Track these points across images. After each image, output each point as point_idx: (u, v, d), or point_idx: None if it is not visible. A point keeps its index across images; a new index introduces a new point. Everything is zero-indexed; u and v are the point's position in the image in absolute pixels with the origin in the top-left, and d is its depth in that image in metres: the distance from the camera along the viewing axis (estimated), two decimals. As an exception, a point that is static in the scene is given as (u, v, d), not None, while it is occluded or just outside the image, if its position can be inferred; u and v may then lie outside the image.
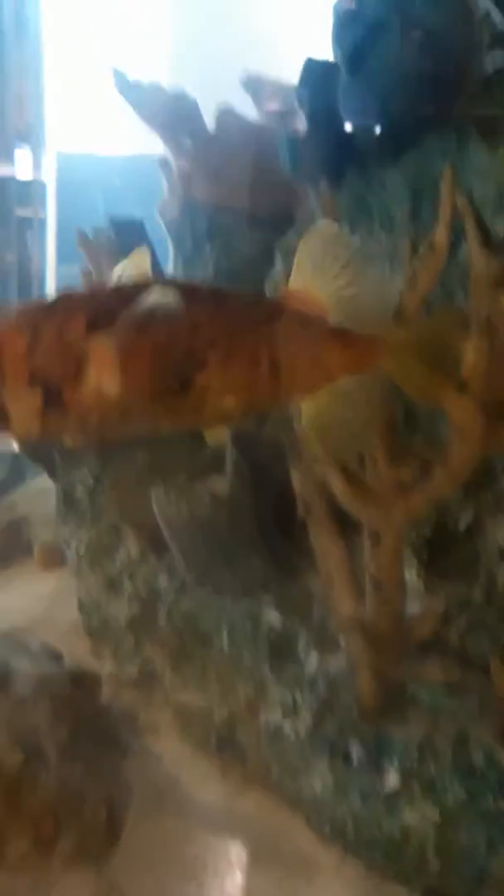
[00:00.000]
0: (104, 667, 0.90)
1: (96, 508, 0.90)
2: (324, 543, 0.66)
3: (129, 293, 0.42)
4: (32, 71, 1.56)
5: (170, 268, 1.15)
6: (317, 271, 0.48)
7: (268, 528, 0.74)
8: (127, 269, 0.46)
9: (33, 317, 0.42)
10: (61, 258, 1.69)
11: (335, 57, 0.65)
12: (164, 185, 1.12)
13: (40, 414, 0.43)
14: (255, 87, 0.94)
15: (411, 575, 0.69)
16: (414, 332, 0.49)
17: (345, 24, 0.63)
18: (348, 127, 0.67)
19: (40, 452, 0.95)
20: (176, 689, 0.82)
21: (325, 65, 0.65)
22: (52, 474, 0.96)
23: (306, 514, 0.67)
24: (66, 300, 0.43)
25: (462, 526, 0.71)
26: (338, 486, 0.61)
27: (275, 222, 1.02)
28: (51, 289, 1.70)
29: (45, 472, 1.44)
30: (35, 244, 1.67)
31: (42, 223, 1.66)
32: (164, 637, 0.82)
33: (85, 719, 0.72)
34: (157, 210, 1.15)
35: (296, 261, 0.48)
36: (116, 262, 0.48)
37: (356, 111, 0.61)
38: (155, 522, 0.79)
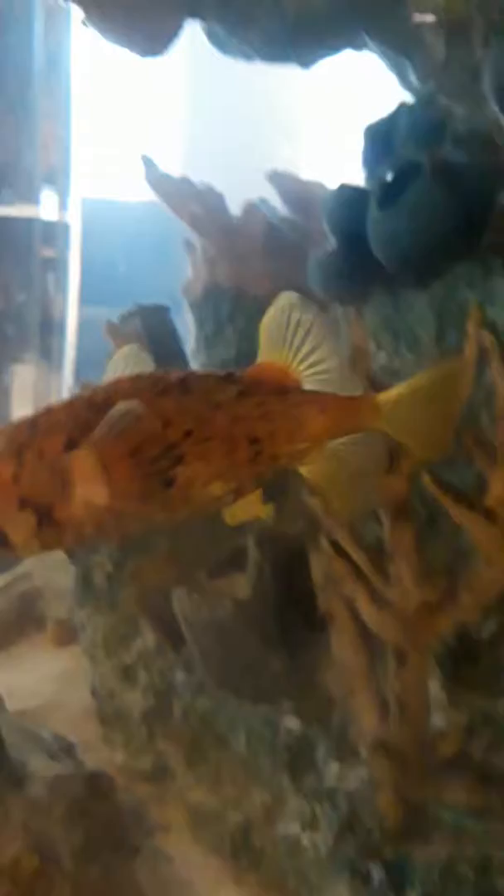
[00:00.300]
0: (116, 756, 0.89)
1: (114, 595, 0.90)
2: (347, 654, 0.66)
3: (101, 403, 0.44)
4: (62, 114, 1.60)
5: (191, 346, 1.17)
6: (282, 341, 0.49)
7: (288, 626, 0.74)
8: (118, 368, 0.48)
9: (16, 441, 0.44)
10: (83, 299, 1.73)
11: (365, 180, 0.68)
12: (189, 267, 1.15)
13: (36, 533, 0.44)
14: (280, 182, 0.97)
15: (435, 687, 0.69)
16: (407, 387, 0.49)
17: (375, 159, 0.65)
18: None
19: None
20: (189, 786, 0.81)
21: (356, 191, 0.67)
22: (71, 555, 0.96)
23: (329, 620, 0.67)
24: (45, 417, 0.44)
25: (485, 635, 0.71)
26: (363, 605, 0.61)
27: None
28: (71, 328, 1.72)
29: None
30: (57, 284, 1.69)
31: (65, 264, 1.69)
32: (179, 733, 0.81)
33: (99, 823, 0.71)
34: (180, 290, 1.18)
35: (262, 332, 0.49)
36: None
37: (385, 241, 0.63)
38: (172, 616, 0.79)
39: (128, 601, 0.86)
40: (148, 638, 0.85)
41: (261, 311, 1.26)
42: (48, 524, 0.44)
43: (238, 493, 0.47)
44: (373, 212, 0.63)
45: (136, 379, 0.46)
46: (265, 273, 1.01)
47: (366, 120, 0.76)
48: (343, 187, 0.69)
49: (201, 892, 0.76)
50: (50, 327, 1.69)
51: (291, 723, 0.70)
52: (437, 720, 0.67)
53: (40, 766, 0.74)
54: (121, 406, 0.42)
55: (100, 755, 0.90)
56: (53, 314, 1.69)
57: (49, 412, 0.45)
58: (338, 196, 0.68)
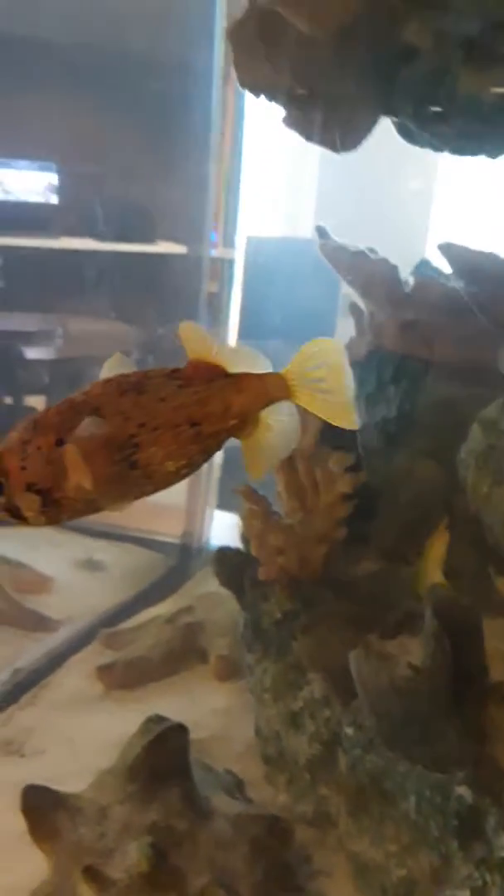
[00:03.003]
0: (278, 797, 0.95)
1: (282, 643, 0.96)
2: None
3: (80, 404, 0.58)
4: (235, 161, 1.70)
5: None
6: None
7: (460, 697, 0.77)
8: (108, 371, 0.62)
9: (21, 439, 0.58)
10: (242, 333, 1.82)
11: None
12: (353, 327, 1.21)
13: (41, 511, 0.58)
14: (453, 252, 1.00)
15: None
16: (298, 358, 0.61)
17: None
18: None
19: (232, 580, 1.03)
20: (351, 836, 0.85)
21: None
22: (241, 600, 1.03)
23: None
24: (42, 418, 0.58)
25: None
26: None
27: (462, 376, 1.07)
28: None
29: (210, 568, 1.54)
30: (219, 318, 1.79)
31: (227, 299, 1.78)
32: (344, 784, 0.85)
33: (277, 863, 0.77)
34: (344, 347, 1.24)
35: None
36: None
37: None
38: (342, 669, 0.84)
39: (299, 652, 0.92)
40: (316, 688, 0.91)
41: (424, 376, 1.29)
42: (49, 503, 0.58)
43: (189, 467, 0.61)
44: None
45: (105, 384, 0.59)
46: (434, 341, 1.05)
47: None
48: (478, 255, 0.71)
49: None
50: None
51: (463, 791, 0.73)
52: None
53: (220, 803, 0.81)
54: (92, 420, 0.57)
55: (262, 794, 0.96)
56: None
57: (45, 414, 0.58)
58: (475, 269, 0.71)
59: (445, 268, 1.09)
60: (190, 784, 0.78)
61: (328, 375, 0.61)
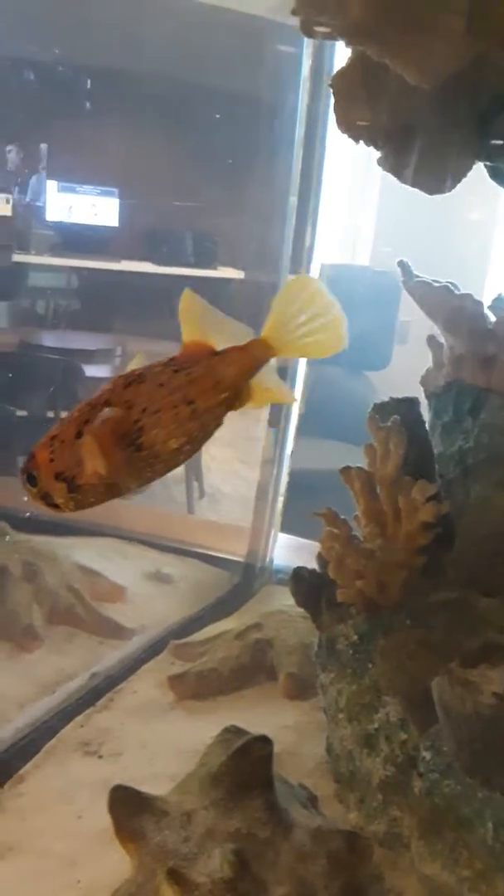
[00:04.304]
0: (349, 815, 0.97)
1: (359, 665, 0.98)
2: None
3: (95, 401, 0.66)
4: (313, 193, 1.75)
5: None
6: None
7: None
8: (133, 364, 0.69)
9: (50, 435, 0.65)
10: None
11: None
12: (431, 359, 1.23)
13: (69, 497, 0.65)
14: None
15: None
16: (273, 313, 0.67)
17: None
18: None
19: (309, 601, 1.06)
20: (423, 859, 0.86)
21: None
22: (317, 620, 1.06)
23: None
24: (69, 416, 0.66)
25: None
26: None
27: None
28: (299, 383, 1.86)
29: (279, 583, 1.58)
30: None
31: None
32: (418, 807, 0.87)
33: (354, 880, 0.79)
34: (420, 380, 1.27)
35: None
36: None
37: None
38: (419, 695, 0.86)
39: (376, 675, 0.94)
40: (391, 711, 0.93)
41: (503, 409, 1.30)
42: (74, 489, 0.65)
43: (190, 443, 0.67)
44: None
45: (114, 380, 0.66)
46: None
47: None
48: None
49: None
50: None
51: (543, 822, 0.74)
52: None
53: (299, 815, 0.84)
54: (103, 412, 0.65)
55: (333, 811, 0.98)
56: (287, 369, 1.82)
57: (71, 413, 0.66)
58: None
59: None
60: (272, 795, 0.81)
61: (309, 311, 0.67)
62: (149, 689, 1.23)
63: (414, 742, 0.89)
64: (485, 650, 0.86)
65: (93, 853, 0.93)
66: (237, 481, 3.58)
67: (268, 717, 1.16)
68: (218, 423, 0.68)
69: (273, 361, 0.69)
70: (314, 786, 1.00)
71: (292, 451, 1.76)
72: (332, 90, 0.91)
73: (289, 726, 1.13)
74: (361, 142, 0.94)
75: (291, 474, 1.77)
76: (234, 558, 1.68)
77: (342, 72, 0.90)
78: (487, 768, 0.78)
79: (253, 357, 0.67)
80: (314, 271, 1.77)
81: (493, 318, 1.10)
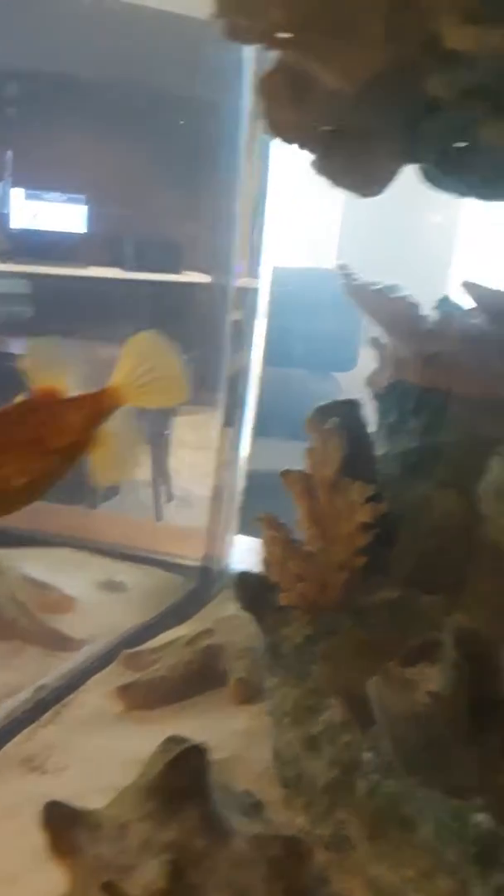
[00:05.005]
0: (296, 819, 0.96)
1: (303, 668, 0.98)
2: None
3: None
4: (260, 197, 1.75)
5: (371, 430, 1.25)
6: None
7: (479, 727, 0.78)
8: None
9: None
10: (266, 361, 1.87)
11: None
12: (377, 360, 1.24)
13: None
14: (475, 291, 1.04)
15: None
16: (121, 363, 0.72)
17: None
18: None
19: (253, 604, 1.05)
20: (370, 860, 0.86)
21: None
22: (261, 624, 1.06)
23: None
24: None
25: None
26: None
27: (484, 409, 1.10)
28: (253, 385, 1.85)
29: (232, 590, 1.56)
30: (243, 345, 1.84)
31: (250, 326, 1.83)
32: (362, 809, 0.87)
33: (295, 885, 0.78)
34: (366, 381, 1.27)
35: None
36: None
37: None
38: (361, 695, 0.86)
39: (319, 677, 0.94)
40: (335, 713, 0.92)
41: (446, 408, 1.32)
42: None
43: (36, 483, 0.70)
44: None
45: None
46: (455, 372, 1.08)
47: None
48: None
49: None
50: (234, 383, 1.81)
51: (483, 819, 0.74)
52: None
53: (239, 823, 0.83)
54: None
55: (280, 816, 0.97)
56: (236, 371, 1.82)
57: None
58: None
59: (466, 304, 1.13)
60: (209, 803, 0.80)
61: (154, 364, 0.72)
62: (97, 701, 1.21)
63: (357, 743, 0.89)
64: (424, 648, 0.86)
65: (35, 869, 0.91)
66: (209, 483, 3.56)
67: (218, 722, 1.15)
68: (67, 465, 0.72)
69: (129, 408, 0.73)
70: (261, 791, 0.99)
71: (257, 453, 1.75)
72: (259, 93, 0.91)
73: (238, 732, 1.13)
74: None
75: (253, 476, 1.76)
76: (190, 563, 1.67)
77: (268, 74, 0.90)
78: (425, 766, 0.78)
79: (101, 402, 0.72)
80: (264, 275, 1.77)
81: (433, 318, 1.11)
